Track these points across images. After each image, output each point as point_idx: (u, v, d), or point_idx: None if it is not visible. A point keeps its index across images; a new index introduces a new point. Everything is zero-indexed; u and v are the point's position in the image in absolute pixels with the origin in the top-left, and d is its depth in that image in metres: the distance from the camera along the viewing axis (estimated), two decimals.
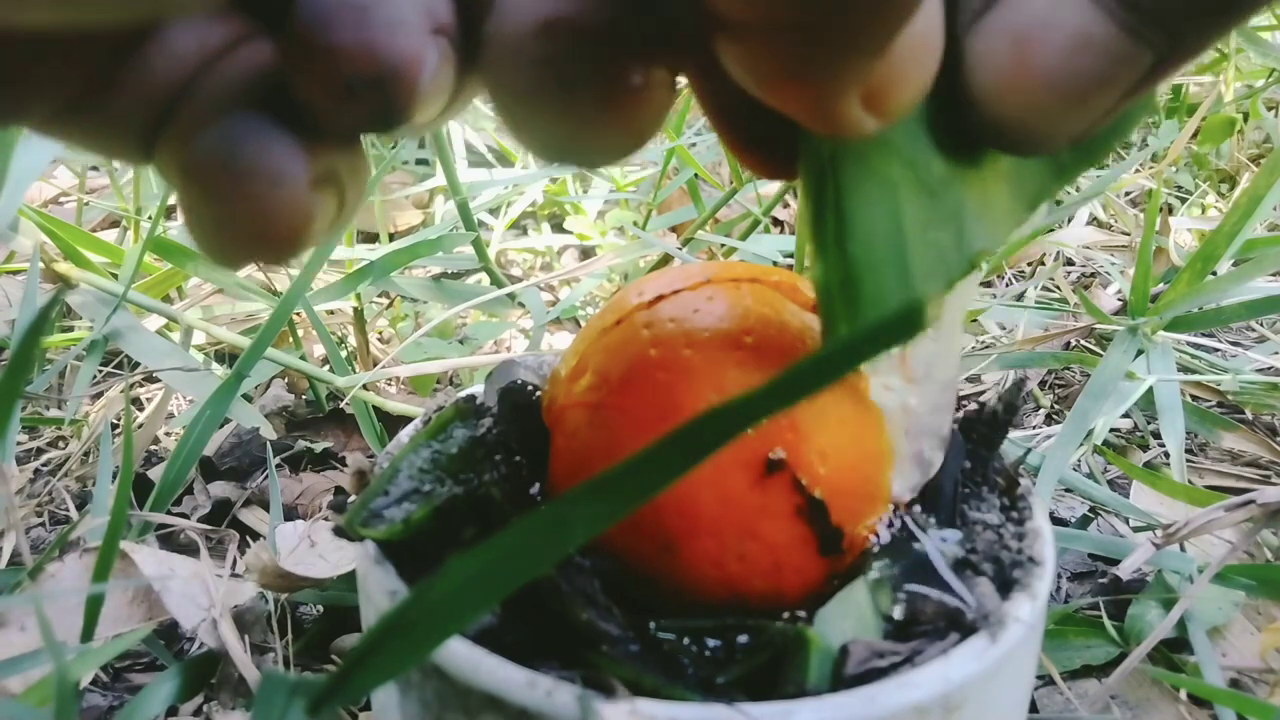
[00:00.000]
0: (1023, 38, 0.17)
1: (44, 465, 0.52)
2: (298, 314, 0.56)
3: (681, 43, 0.17)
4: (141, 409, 0.57)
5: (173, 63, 0.17)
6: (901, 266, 0.18)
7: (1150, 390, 0.47)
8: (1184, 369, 0.54)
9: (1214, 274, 0.51)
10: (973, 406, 0.28)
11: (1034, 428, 0.54)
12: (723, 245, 0.64)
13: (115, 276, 0.53)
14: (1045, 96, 0.17)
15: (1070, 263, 0.78)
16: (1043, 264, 0.77)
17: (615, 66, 0.16)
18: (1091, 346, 0.60)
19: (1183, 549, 0.39)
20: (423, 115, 0.17)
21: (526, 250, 0.79)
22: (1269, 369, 0.55)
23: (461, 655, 0.21)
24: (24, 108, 0.16)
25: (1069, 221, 0.80)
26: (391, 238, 0.71)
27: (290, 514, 0.46)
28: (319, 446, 0.53)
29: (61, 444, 0.54)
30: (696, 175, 0.67)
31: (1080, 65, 0.17)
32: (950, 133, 0.19)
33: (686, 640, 0.22)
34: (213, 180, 0.16)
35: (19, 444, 0.53)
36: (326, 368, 0.53)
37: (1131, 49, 0.16)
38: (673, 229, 0.75)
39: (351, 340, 0.61)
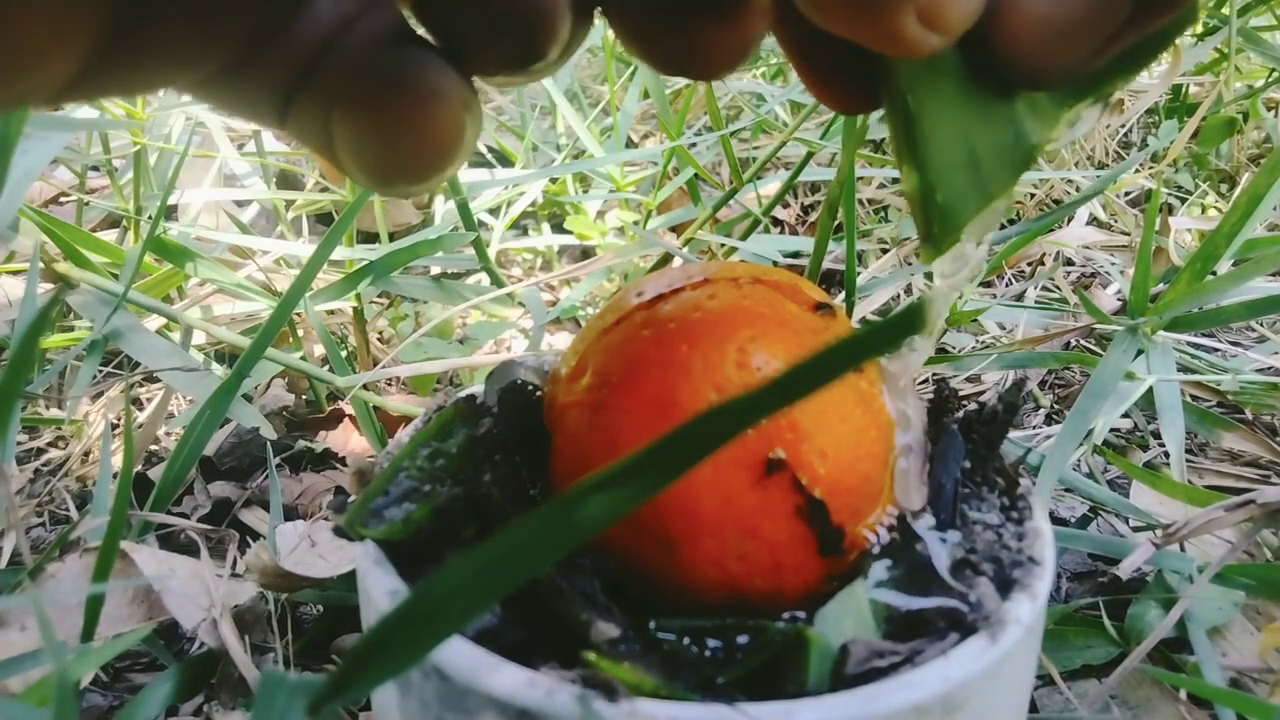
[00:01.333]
0: None
1: (44, 465, 0.52)
2: (298, 314, 0.56)
3: None
4: (141, 409, 0.57)
5: (316, 26, 0.19)
6: (974, 167, 0.22)
7: (1150, 390, 0.47)
8: (1184, 369, 0.54)
9: (1214, 274, 0.51)
10: (973, 406, 0.28)
11: (1034, 428, 0.54)
12: (723, 245, 0.64)
13: (115, 276, 0.53)
14: (1037, 36, 0.19)
15: (1070, 263, 0.78)
16: (1043, 264, 0.77)
17: None
18: (1091, 346, 0.60)
19: (1183, 549, 0.39)
20: (552, 55, 0.19)
21: (526, 250, 0.79)
22: (1269, 369, 0.55)
23: (461, 655, 0.21)
24: (188, 69, 0.18)
25: (1069, 221, 0.80)
26: (391, 238, 0.71)
27: (290, 514, 0.46)
28: (319, 446, 0.53)
29: (61, 444, 0.54)
30: (696, 175, 0.67)
31: (1066, 10, 0.19)
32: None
33: (686, 640, 0.22)
34: (382, 100, 0.18)
35: (19, 444, 0.53)
36: (326, 368, 0.53)
37: None
38: (673, 229, 0.75)
39: (351, 340, 0.61)
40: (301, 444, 0.53)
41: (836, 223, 0.82)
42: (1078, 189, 0.85)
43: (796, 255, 0.69)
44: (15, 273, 0.59)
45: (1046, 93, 0.22)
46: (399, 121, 0.18)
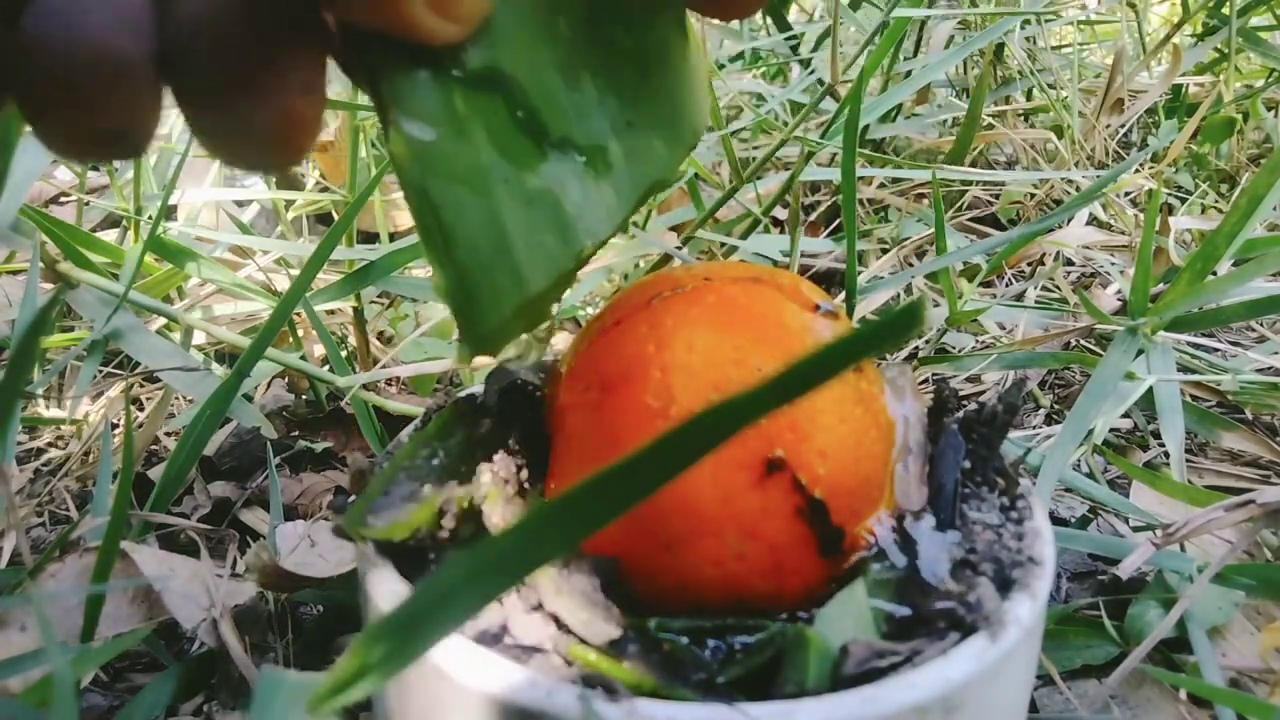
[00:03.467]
0: None
1: (44, 465, 0.52)
2: (298, 314, 0.56)
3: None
4: (141, 409, 0.57)
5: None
6: (513, 267, 0.21)
7: (1150, 390, 0.47)
8: (1184, 369, 0.54)
9: (1214, 274, 0.51)
10: (973, 406, 0.28)
11: (1034, 428, 0.54)
12: (723, 245, 0.64)
13: (115, 276, 0.53)
14: None
15: (1070, 263, 0.78)
16: (1043, 264, 0.77)
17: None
18: (1091, 346, 0.60)
19: (1183, 549, 0.39)
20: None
21: None
22: (1269, 369, 0.55)
23: (461, 655, 0.21)
24: None
25: (1069, 221, 0.80)
26: (391, 238, 0.71)
27: (290, 514, 0.46)
28: (319, 446, 0.53)
29: (61, 444, 0.54)
30: (696, 175, 0.67)
31: None
32: (539, 142, 0.21)
33: (686, 640, 0.22)
34: (231, 102, 0.18)
35: (19, 444, 0.53)
36: (326, 368, 0.53)
37: None
38: (673, 229, 0.75)
39: (351, 340, 0.61)
40: (301, 444, 0.53)
41: (837, 222, 0.82)
42: (1078, 189, 0.85)
43: None
44: (15, 273, 0.59)
45: (608, 190, 0.22)
46: (248, 122, 0.18)
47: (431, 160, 0.19)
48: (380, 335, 0.66)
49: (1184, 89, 1.02)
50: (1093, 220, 0.82)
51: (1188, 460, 0.48)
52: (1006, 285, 0.74)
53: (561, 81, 0.21)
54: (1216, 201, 0.88)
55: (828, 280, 0.73)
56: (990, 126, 0.89)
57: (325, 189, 0.76)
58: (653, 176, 0.23)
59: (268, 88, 0.18)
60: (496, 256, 0.20)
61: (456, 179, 0.20)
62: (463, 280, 0.20)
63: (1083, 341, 0.59)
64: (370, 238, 0.74)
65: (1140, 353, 0.49)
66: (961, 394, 0.49)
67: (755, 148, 0.86)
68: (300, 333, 0.60)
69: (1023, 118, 1.01)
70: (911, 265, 0.69)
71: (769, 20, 1.04)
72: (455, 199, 0.20)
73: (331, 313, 0.63)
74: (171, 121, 0.71)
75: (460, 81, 0.20)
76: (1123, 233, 0.80)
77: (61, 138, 0.18)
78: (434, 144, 0.19)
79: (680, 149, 0.24)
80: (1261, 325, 0.66)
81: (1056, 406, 0.57)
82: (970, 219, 0.84)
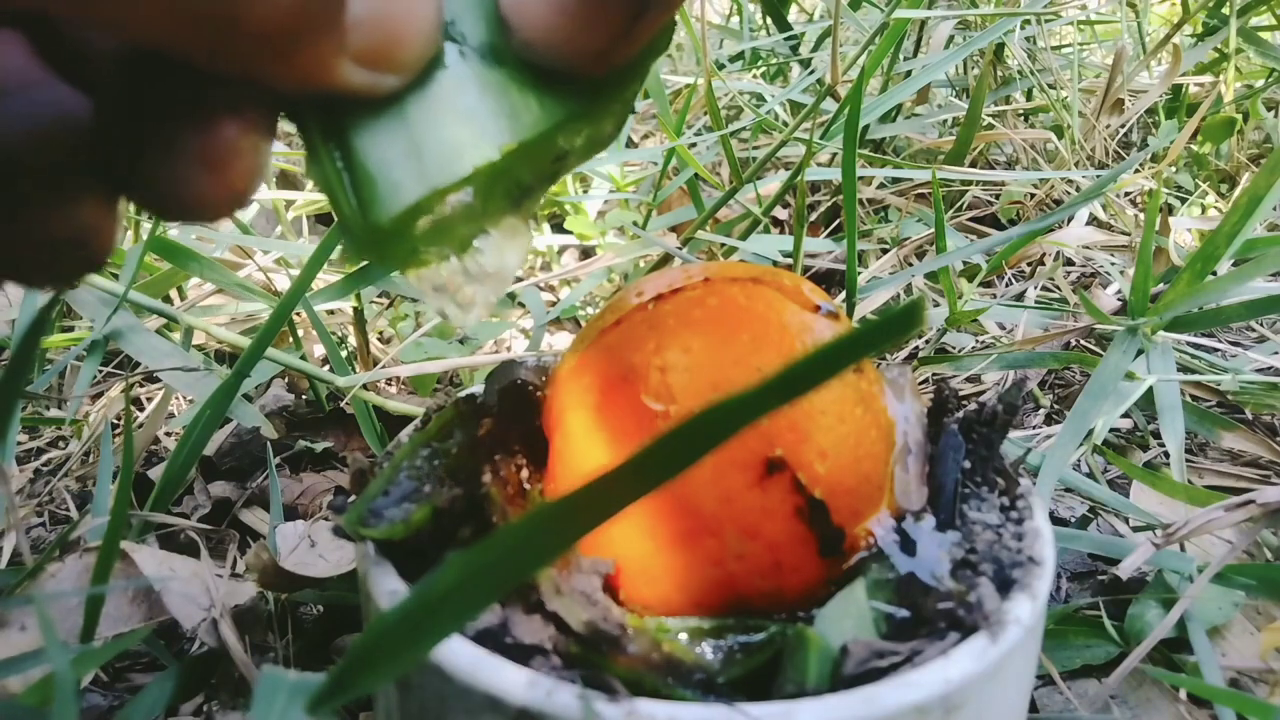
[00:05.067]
0: None
1: (44, 465, 0.52)
2: (298, 314, 0.56)
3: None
4: (141, 409, 0.57)
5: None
6: (416, 153, 0.18)
7: (1150, 390, 0.47)
8: (1184, 369, 0.54)
9: (1214, 274, 0.51)
10: (973, 406, 0.28)
11: (1034, 428, 0.54)
12: (723, 245, 0.64)
13: (115, 276, 0.53)
14: (558, 19, 0.18)
15: (1070, 263, 0.78)
16: (1042, 264, 0.77)
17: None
18: (1091, 346, 0.60)
19: (1183, 549, 0.39)
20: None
21: None
22: (1269, 369, 0.55)
23: (461, 655, 0.21)
24: None
25: (1069, 221, 0.80)
26: None
27: (290, 514, 0.46)
28: (319, 446, 0.53)
29: (61, 444, 0.54)
30: (696, 175, 0.67)
31: None
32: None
33: (686, 640, 0.22)
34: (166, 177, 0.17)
35: (19, 444, 0.53)
36: (326, 368, 0.53)
37: None
38: (673, 229, 0.75)
39: (351, 340, 0.61)
40: (301, 444, 0.53)
41: (837, 222, 0.82)
42: (1078, 189, 0.85)
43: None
44: None
45: (535, 99, 0.20)
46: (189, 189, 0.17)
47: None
48: (380, 335, 0.66)
49: (1184, 89, 1.03)
50: (1093, 220, 0.82)
51: (1188, 460, 0.48)
52: (1006, 285, 0.74)
53: None
54: (1216, 201, 0.88)
55: (828, 280, 0.73)
56: (990, 126, 0.89)
57: None
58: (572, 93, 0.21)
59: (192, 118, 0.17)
60: (394, 134, 0.18)
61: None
62: (352, 160, 0.18)
63: (1083, 341, 0.59)
64: None
65: (1140, 353, 0.49)
66: (961, 394, 0.49)
67: (755, 148, 0.86)
68: (300, 333, 0.60)
69: (1023, 118, 1.01)
70: (911, 265, 0.69)
71: (769, 20, 1.04)
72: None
73: (331, 313, 0.63)
74: None
75: None
76: (1123, 233, 0.80)
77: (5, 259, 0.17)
78: None
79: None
80: (1261, 325, 0.66)
81: (1056, 406, 0.57)
82: (970, 219, 0.84)
